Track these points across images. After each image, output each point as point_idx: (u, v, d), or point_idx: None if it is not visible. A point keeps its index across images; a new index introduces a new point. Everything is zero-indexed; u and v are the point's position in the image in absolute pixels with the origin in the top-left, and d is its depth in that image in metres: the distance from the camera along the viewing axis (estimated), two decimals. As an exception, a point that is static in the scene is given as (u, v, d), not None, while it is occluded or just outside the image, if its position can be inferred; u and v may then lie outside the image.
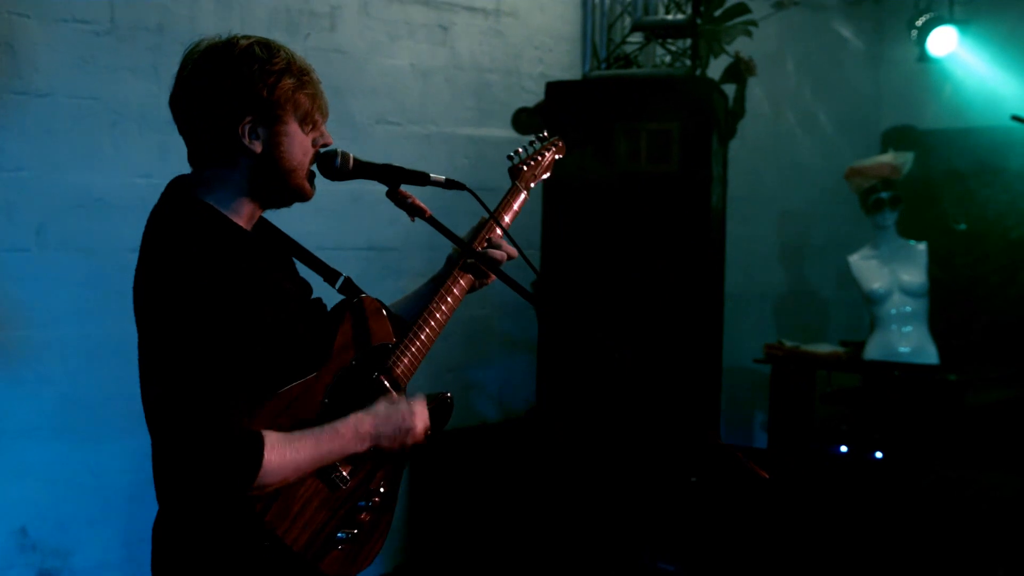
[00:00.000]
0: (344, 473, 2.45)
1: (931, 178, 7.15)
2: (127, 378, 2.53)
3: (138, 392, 2.34)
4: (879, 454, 5.66)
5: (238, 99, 2.41)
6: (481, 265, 2.77)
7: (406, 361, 2.64)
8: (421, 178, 2.60)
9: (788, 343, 6.16)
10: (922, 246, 5.93)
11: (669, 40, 5.38)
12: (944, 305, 6.44)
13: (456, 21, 5.75)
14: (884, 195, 5.82)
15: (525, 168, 3.06)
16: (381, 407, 2.50)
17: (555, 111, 5.28)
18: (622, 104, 5.14)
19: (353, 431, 2.43)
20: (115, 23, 4.50)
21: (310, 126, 2.50)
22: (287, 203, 2.58)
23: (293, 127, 2.46)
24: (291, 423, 2.36)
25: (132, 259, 2.38)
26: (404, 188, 2.63)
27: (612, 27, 5.49)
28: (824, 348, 6.08)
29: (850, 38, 7.60)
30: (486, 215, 2.78)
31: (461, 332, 5.61)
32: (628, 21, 5.60)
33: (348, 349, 2.56)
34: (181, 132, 2.49)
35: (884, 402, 5.76)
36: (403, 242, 5.50)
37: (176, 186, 2.50)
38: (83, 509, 4.47)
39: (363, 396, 2.52)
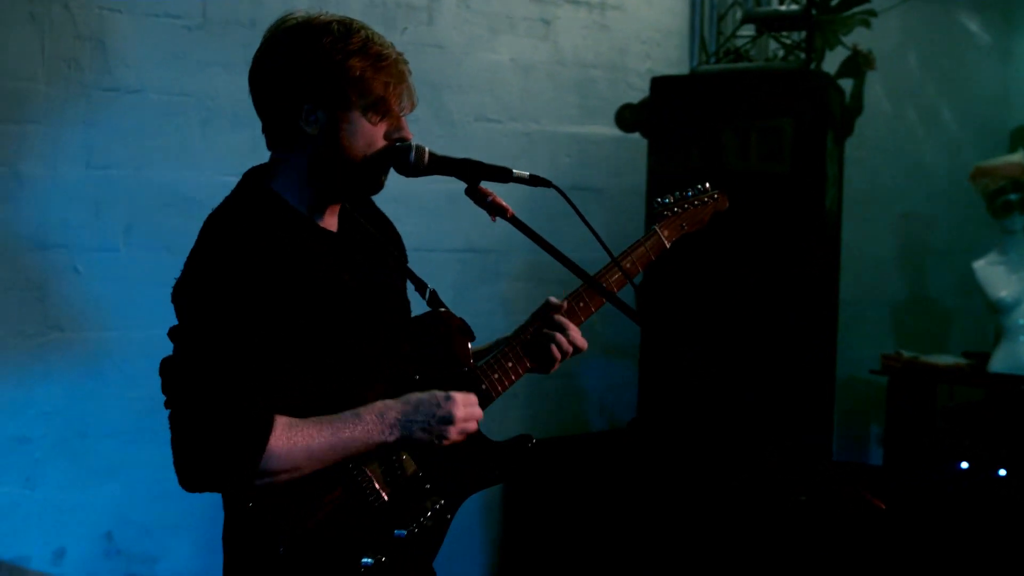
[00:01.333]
0: (377, 487, 2.26)
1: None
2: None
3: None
4: (1003, 472, 5.32)
5: (301, 79, 2.28)
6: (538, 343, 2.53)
7: (482, 388, 2.46)
8: (503, 174, 2.40)
9: (907, 353, 5.83)
10: (1056, 251, 5.55)
11: (783, 33, 5.10)
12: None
13: (559, 15, 5.55)
14: (1013, 197, 5.46)
15: (668, 214, 2.80)
16: (414, 394, 2.30)
17: (660, 108, 5.04)
18: (731, 100, 4.89)
19: (377, 417, 2.24)
20: (207, 17, 4.41)
21: (379, 115, 2.33)
22: (355, 195, 2.44)
23: (357, 114, 2.31)
24: None
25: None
26: (485, 185, 2.42)
27: (722, 19, 5.23)
28: (946, 359, 5.73)
29: (977, 31, 7.19)
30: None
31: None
32: (739, 13, 5.34)
33: (413, 363, 2.39)
34: (257, 113, 2.38)
35: (1009, 417, 5.39)
36: (503, 244, 5.32)
37: (248, 174, 2.40)
38: (169, 514, 4.37)
39: None
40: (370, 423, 2.23)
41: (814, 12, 4.75)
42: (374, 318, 2.38)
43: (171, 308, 4.25)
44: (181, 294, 2.28)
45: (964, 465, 5.51)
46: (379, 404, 2.26)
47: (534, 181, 2.42)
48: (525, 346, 2.53)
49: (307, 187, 2.34)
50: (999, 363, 5.51)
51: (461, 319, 2.51)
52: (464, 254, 5.29)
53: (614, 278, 2.64)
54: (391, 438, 2.24)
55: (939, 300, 7.27)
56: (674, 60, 5.88)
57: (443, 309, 2.49)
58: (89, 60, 4.13)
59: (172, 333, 2.31)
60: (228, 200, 2.36)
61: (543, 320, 2.56)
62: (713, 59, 5.23)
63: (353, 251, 2.42)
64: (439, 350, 2.45)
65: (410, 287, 2.54)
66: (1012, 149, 7.25)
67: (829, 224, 4.91)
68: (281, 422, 2.14)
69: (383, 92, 2.31)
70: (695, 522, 4.96)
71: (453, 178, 2.41)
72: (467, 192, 2.41)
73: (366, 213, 2.55)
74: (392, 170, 2.40)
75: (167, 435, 4.57)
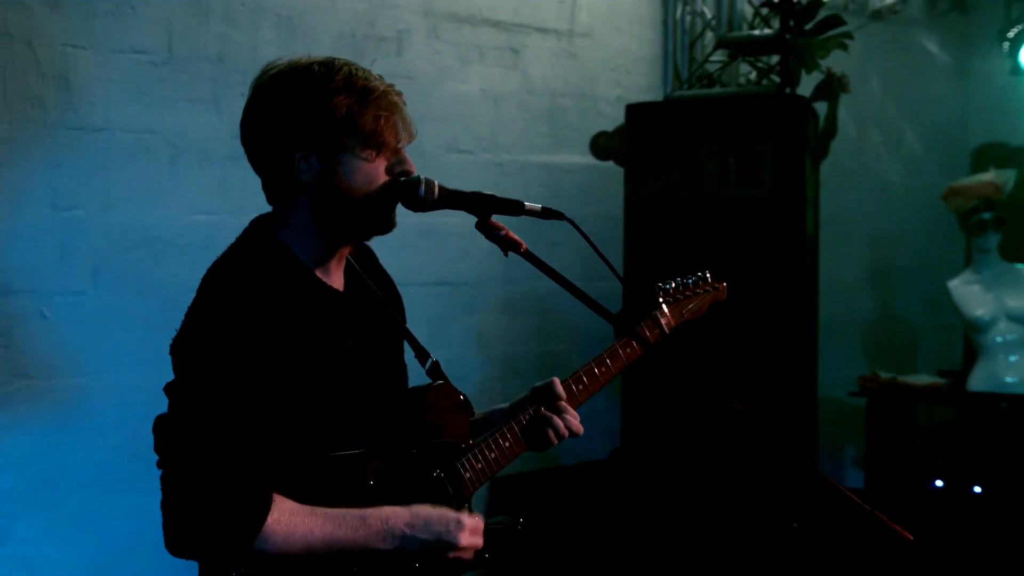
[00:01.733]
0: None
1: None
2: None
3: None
4: (978, 488, 5.30)
5: (287, 126, 2.19)
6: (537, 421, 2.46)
7: (478, 467, 2.36)
8: (515, 207, 2.32)
9: (883, 374, 5.80)
10: (1028, 269, 5.55)
11: (756, 57, 5.06)
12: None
13: (528, 43, 5.49)
14: (987, 216, 5.46)
15: (669, 301, 2.73)
16: (424, 509, 2.17)
17: (636, 134, 4.98)
18: (708, 126, 4.83)
19: (382, 525, 2.12)
20: (173, 53, 4.30)
21: (375, 150, 2.23)
22: (365, 236, 2.34)
23: (350, 154, 2.21)
24: (327, 496, 2.10)
25: (194, 301, 2.20)
26: (495, 219, 2.34)
27: (693, 45, 5.18)
28: (923, 379, 5.71)
29: (935, 52, 7.23)
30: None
31: (536, 369, 5.32)
32: (710, 38, 5.30)
33: (412, 435, 2.29)
34: (254, 169, 2.30)
35: (988, 436, 5.37)
36: (478, 276, 5.23)
37: (254, 223, 2.30)
38: (145, 567, 4.20)
39: (416, 493, 2.22)
40: (374, 530, 2.10)
41: (788, 37, 4.71)
42: (374, 385, 2.28)
43: (140, 353, 4.16)
44: (180, 349, 2.16)
45: (939, 483, 5.49)
46: (387, 511, 2.13)
47: (547, 214, 2.35)
48: (523, 429, 2.44)
49: (314, 238, 2.25)
50: (978, 382, 5.50)
51: (462, 394, 2.43)
52: (438, 287, 5.19)
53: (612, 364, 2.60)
54: (390, 547, 2.12)
55: (907, 319, 7.27)
56: (644, 87, 5.83)
57: (442, 382, 2.41)
58: (53, 99, 4.00)
59: (169, 389, 2.19)
60: (232, 250, 2.25)
61: (543, 402, 2.48)
62: (686, 85, 5.18)
63: (357, 311, 2.33)
64: (438, 425, 2.35)
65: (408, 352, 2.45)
66: (974, 169, 7.28)
67: (809, 248, 4.86)
68: (283, 506, 2.03)
69: (374, 126, 2.21)
70: (686, 553, 4.87)
71: (428, 212, 2.33)
72: (478, 226, 2.32)
73: (371, 270, 2.46)
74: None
75: (142, 485, 4.39)
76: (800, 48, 4.68)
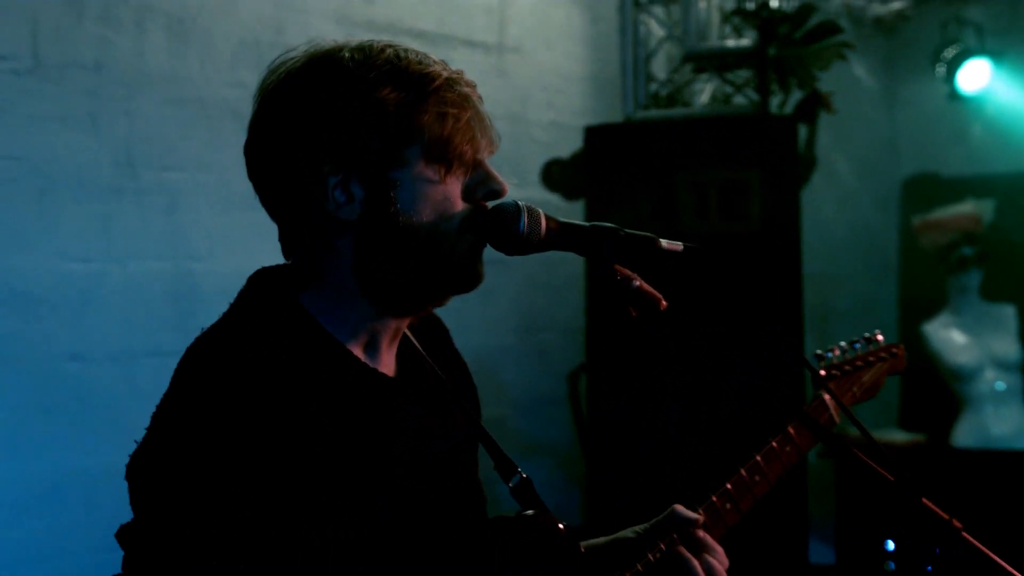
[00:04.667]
0: None
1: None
2: (74, 528, 1.93)
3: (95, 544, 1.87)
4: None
5: (317, 141, 1.49)
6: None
7: None
8: (648, 246, 1.57)
9: (851, 431, 5.19)
10: (1010, 309, 5.02)
11: (724, 72, 4.39)
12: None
13: (455, 57, 4.73)
14: (968, 251, 4.94)
15: (836, 376, 2.08)
16: None
17: (597, 162, 4.25)
18: (681, 150, 4.14)
19: None
20: (39, 60, 3.53)
21: (446, 164, 1.51)
22: (433, 298, 1.55)
23: (417, 168, 1.50)
24: None
25: (72, 370, 1.62)
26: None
27: (649, 59, 4.49)
28: (900, 436, 5.12)
29: (863, 77, 6.75)
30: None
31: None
32: (664, 51, 4.63)
33: None
34: (267, 212, 1.58)
35: (982, 494, 4.80)
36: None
37: (259, 279, 1.55)
38: None
39: None
40: None
41: (772, 49, 4.05)
42: (440, 517, 1.55)
43: (7, 436, 3.26)
44: (149, 475, 1.40)
45: (890, 546, 4.92)
46: None
47: (689, 253, 1.60)
48: (652, 570, 1.71)
49: (355, 301, 1.53)
50: (965, 436, 4.94)
51: (563, 524, 1.63)
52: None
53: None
54: None
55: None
56: (578, 110, 5.16)
57: (536, 511, 1.61)
58: None
59: (127, 534, 1.38)
60: (231, 319, 1.51)
61: (679, 532, 1.73)
62: (639, 105, 4.46)
63: (415, 407, 1.57)
64: (535, 570, 1.58)
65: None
66: (904, 200, 6.85)
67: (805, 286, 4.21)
68: None
69: (440, 130, 1.50)
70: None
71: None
72: (597, 273, 1.56)
73: (436, 348, 1.71)
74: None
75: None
76: (790, 60, 4.03)
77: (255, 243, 3.78)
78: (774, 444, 1.88)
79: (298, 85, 1.51)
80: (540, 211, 1.55)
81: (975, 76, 6.18)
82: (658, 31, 4.57)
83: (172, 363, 1.45)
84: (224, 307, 1.53)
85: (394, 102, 1.48)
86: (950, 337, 4.99)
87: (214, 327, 1.47)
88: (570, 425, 4.70)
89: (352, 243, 1.49)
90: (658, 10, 4.47)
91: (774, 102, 4.30)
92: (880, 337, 2.15)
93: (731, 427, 4.03)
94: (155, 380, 3.49)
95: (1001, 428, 4.90)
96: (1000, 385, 4.90)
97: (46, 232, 3.48)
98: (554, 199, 4.64)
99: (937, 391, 5.18)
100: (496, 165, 1.73)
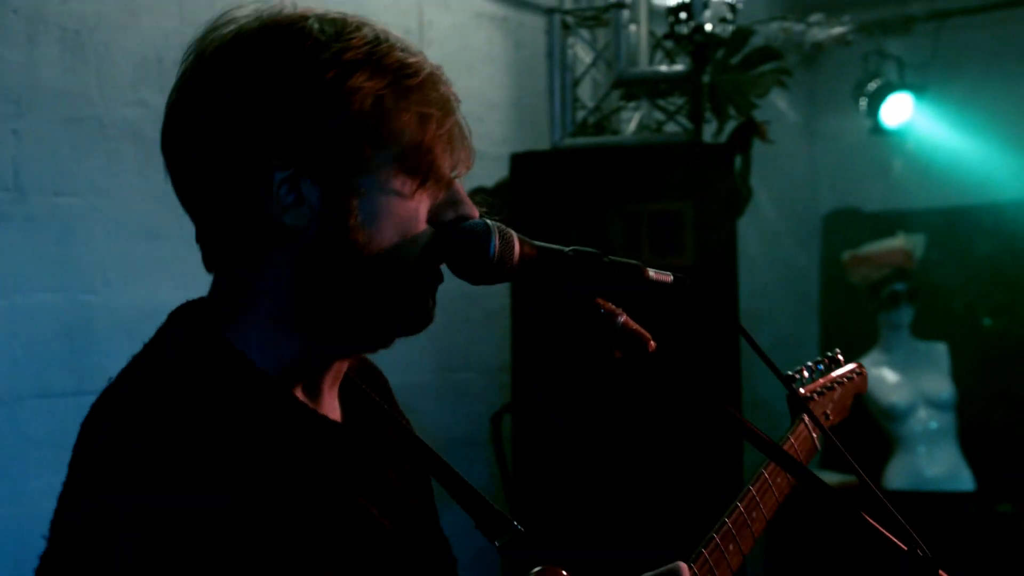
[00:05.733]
0: None
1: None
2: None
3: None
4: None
5: (264, 125, 1.21)
6: None
7: None
8: (633, 276, 1.35)
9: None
10: (942, 347, 4.90)
11: (655, 99, 4.21)
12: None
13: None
14: (900, 287, 4.80)
15: (814, 397, 1.94)
16: None
17: (522, 190, 4.03)
18: (612, 180, 3.93)
19: None
20: None
21: (417, 178, 1.27)
22: (382, 339, 1.30)
23: (385, 176, 1.25)
24: None
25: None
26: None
27: (578, 84, 4.29)
28: (829, 477, 4.94)
29: (784, 109, 6.65)
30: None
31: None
32: (591, 77, 4.45)
33: None
34: (182, 204, 1.29)
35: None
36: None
37: (180, 315, 1.29)
38: None
39: None
40: None
41: (707, 75, 3.88)
42: (416, 569, 1.32)
43: None
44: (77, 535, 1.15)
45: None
46: None
47: (679, 284, 1.40)
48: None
49: (292, 335, 1.27)
50: (897, 479, 4.79)
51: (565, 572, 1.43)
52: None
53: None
54: None
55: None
56: (501, 138, 4.93)
57: (544, 569, 1.41)
58: None
59: None
60: (147, 363, 1.24)
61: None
62: (567, 132, 4.26)
63: (367, 454, 1.36)
64: None
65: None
66: (825, 235, 6.76)
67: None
68: None
69: (420, 135, 1.27)
70: None
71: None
72: (577, 308, 1.33)
73: (378, 391, 1.49)
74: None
75: None
76: (726, 87, 3.86)
77: (156, 275, 3.52)
78: (765, 476, 1.73)
79: (251, 51, 1.24)
80: (513, 232, 1.31)
81: (898, 110, 6.13)
82: (584, 56, 4.39)
83: (63, 405, 1.21)
84: (120, 344, 1.27)
85: (370, 93, 1.24)
86: (882, 375, 4.85)
87: (125, 373, 1.21)
88: (492, 468, 4.47)
89: (293, 256, 1.24)
90: (585, 33, 4.28)
91: (708, 130, 4.15)
92: (841, 357, 2.02)
93: (667, 474, 3.84)
94: (44, 423, 3.17)
95: (934, 470, 4.76)
96: (933, 425, 4.77)
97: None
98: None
99: (866, 430, 5.05)
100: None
